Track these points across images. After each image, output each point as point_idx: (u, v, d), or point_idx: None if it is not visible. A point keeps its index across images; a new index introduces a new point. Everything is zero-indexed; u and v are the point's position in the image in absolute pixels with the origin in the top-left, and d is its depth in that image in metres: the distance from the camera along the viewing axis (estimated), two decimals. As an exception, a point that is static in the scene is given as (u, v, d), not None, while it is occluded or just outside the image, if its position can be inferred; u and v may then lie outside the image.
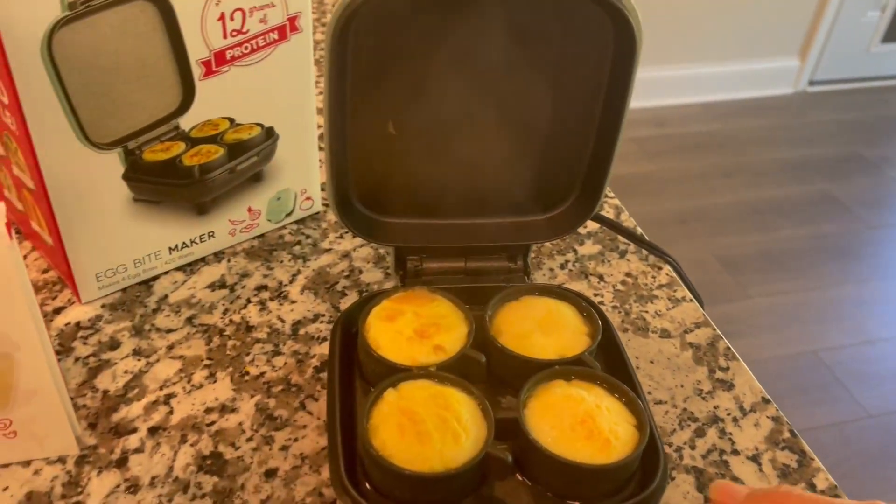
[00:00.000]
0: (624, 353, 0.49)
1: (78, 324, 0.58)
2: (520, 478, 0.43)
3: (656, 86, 2.63)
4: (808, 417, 1.68)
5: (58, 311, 0.59)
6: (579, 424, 0.42)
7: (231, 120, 0.60)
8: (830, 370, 1.79)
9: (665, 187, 2.34)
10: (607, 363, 0.49)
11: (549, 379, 0.45)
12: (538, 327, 0.49)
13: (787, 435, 0.53)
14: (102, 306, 0.59)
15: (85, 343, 0.56)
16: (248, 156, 0.62)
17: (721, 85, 2.76)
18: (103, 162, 0.55)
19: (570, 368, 0.46)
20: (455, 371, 0.45)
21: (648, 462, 0.43)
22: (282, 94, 0.61)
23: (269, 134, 0.62)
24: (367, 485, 0.42)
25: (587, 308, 0.51)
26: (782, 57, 2.81)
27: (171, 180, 0.59)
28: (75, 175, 0.54)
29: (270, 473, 0.48)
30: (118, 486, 0.47)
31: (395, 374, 0.45)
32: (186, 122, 0.58)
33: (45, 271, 0.62)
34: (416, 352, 0.47)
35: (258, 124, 0.61)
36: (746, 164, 2.47)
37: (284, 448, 0.50)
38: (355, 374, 0.48)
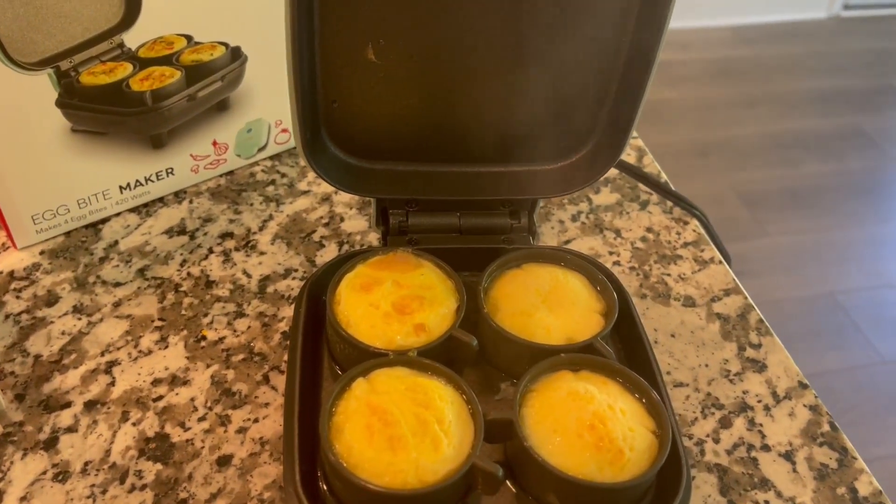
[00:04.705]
0: (644, 335, 0.41)
1: (11, 273, 0.50)
2: (512, 488, 0.36)
3: (680, 5, 2.45)
4: (820, 361, 1.62)
5: (-10, 257, 0.51)
6: (587, 430, 0.35)
7: (189, 37, 0.50)
8: (847, 313, 1.71)
9: (684, 116, 2.21)
10: (622, 346, 0.41)
11: (553, 370, 0.38)
12: (543, 303, 0.41)
13: (826, 428, 0.45)
14: (41, 253, 0.52)
15: (18, 297, 0.49)
16: (211, 80, 0.53)
17: (750, 7, 2.58)
18: (31, 85, 0.46)
19: (578, 357, 0.38)
20: (440, 356, 0.38)
21: (667, 473, 0.36)
22: (250, 7, 0.52)
23: (236, 55, 0.53)
24: (328, 491, 0.35)
25: (602, 280, 0.42)
26: (818, -23, 2.63)
27: (117, 108, 0.50)
28: (-4, 100, 0.45)
29: (224, 461, 0.41)
30: (45, 472, 0.40)
31: (367, 358, 0.37)
32: (133, 39, 0.48)
33: (-22, 209, 0.54)
34: (394, 331, 0.39)
35: (222, 43, 0.52)
36: (772, 94, 2.33)
37: (242, 430, 0.43)
38: (323, 353, 0.41)
